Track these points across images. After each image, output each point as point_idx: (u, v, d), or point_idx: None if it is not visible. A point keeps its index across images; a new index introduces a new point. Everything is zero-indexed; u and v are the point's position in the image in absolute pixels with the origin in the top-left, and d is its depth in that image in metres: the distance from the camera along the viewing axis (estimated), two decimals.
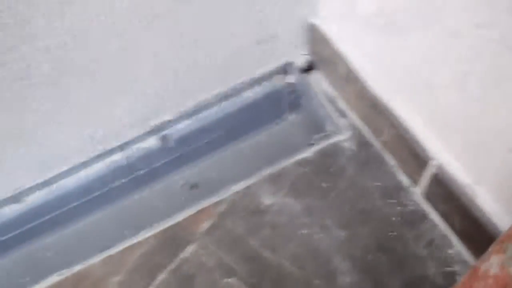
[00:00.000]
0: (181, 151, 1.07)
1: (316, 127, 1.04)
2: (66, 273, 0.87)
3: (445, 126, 0.78)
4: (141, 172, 1.06)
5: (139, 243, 0.89)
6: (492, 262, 0.49)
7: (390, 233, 0.85)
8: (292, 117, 1.15)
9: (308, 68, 1.05)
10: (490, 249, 0.51)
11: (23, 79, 0.76)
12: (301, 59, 1.05)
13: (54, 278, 0.87)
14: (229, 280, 0.83)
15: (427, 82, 0.76)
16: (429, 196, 0.85)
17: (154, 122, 1.00)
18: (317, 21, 0.97)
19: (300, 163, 0.94)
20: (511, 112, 0.63)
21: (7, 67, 0.72)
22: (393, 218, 0.87)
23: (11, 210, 0.98)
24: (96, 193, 1.03)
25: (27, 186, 0.96)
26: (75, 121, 0.89)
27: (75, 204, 1.02)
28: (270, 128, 1.15)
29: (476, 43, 0.64)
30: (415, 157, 0.83)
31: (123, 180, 1.04)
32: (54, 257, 1.03)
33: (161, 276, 0.85)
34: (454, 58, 0.69)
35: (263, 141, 1.14)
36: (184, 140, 1.05)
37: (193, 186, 1.11)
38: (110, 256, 0.88)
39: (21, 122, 0.83)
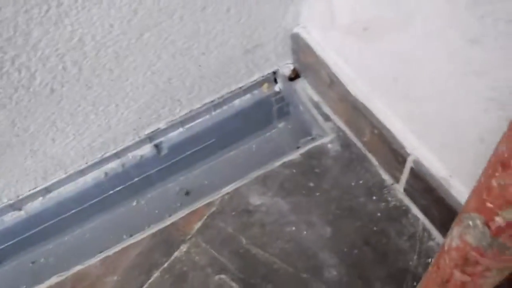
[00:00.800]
0: (175, 158, 1.12)
1: (303, 131, 1.08)
2: (65, 274, 0.91)
3: (421, 123, 0.82)
4: (137, 179, 1.10)
5: (135, 244, 0.92)
6: (454, 235, 0.53)
7: (374, 228, 0.89)
8: (280, 124, 1.20)
9: (294, 76, 1.09)
10: (452, 224, 0.55)
11: (24, 87, 0.80)
12: (287, 67, 1.10)
13: (54, 279, 0.90)
14: (221, 276, 0.87)
15: (403, 82, 0.81)
16: (410, 191, 0.89)
17: (148, 130, 1.04)
18: (300, 31, 1.02)
19: (287, 165, 0.98)
20: (479, 104, 0.68)
21: (9, 75, 0.77)
22: (377, 214, 0.91)
23: (12, 217, 1.02)
24: (95, 200, 1.07)
25: (27, 193, 1.01)
26: (74, 130, 0.94)
27: (74, 210, 1.06)
28: (259, 135, 1.19)
29: (446, 43, 0.68)
30: (394, 154, 0.88)
31: (120, 187, 1.09)
32: (54, 262, 1.07)
33: (156, 274, 0.89)
34: (427, 58, 0.73)
35: (253, 147, 1.19)
36: (177, 148, 1.10)
37: (188, 192, 1.15)
38: (108, 257, 0.92)
39: (22, 130, 0.88)
